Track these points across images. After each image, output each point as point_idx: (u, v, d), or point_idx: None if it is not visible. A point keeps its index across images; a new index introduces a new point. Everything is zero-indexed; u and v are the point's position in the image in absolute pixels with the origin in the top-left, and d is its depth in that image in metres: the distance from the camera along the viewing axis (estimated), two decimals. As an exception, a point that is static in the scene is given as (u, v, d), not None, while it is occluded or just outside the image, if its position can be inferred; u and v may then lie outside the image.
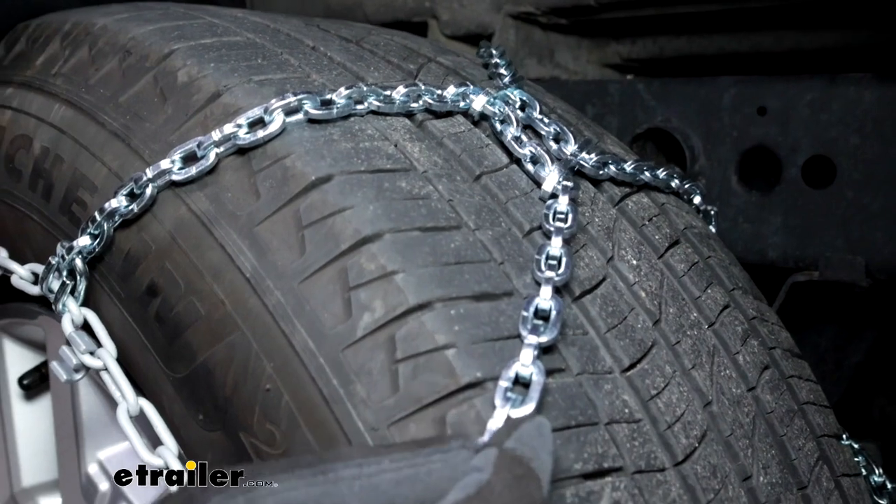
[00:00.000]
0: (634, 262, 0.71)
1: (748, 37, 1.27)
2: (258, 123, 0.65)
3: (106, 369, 0.70)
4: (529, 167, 0.72)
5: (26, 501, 1.09)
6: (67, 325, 0.72)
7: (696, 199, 0.91)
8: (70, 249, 0.70)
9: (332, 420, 0.57)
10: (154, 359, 0.69)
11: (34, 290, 0.77)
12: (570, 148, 0.75)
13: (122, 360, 0.73)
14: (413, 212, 0.62)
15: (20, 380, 1.03)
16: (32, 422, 1.07)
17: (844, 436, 0.85)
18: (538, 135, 0.78)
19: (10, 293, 0.96)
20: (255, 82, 0.70)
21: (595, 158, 0.76)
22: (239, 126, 0.65)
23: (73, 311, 0.72)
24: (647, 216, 0.78)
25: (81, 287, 0.72)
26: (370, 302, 0.58)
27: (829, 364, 1.20)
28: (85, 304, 0.74)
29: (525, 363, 0.55)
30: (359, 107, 0.69)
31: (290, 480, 0.46)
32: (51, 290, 0.73)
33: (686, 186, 0.89)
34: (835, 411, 0.86)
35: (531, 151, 0.72)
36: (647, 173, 0.82)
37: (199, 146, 0.65)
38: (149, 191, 0.66)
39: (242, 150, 0.66)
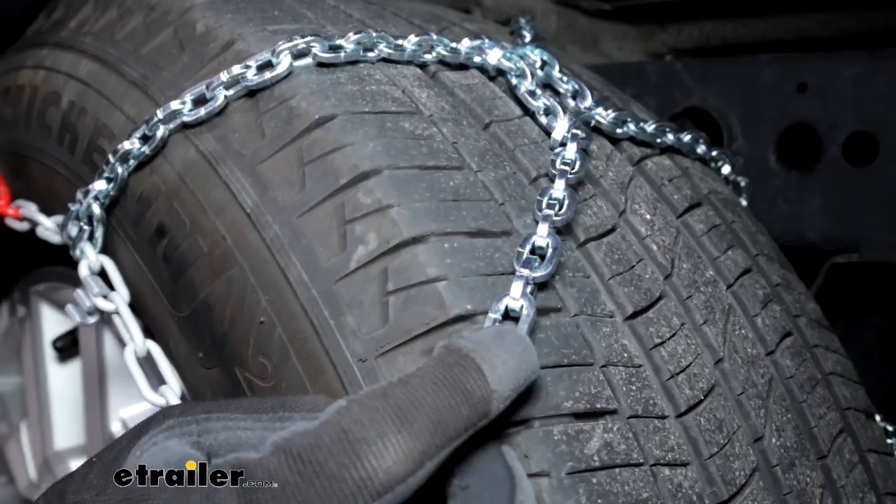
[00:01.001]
0: (648, 216, 0.69)
1: (794, 21, 1.23)
2: (267, 66, 0.65)
3: (117, 312, 0.71)
4: (542, 119, 0.70)
5: (58, 465, 1.11)
6: (84, 270, 0.73)
7: (725, 169, 0.88)
8: (87, 193, 0.72)
9: (322, 351, 0.56)
10: (161, 299, 0.69)
11: (56, 238, 0.78)
12: (587, 103, 0.73)
13: (135, 304, 0.74)
14: (413, 150, 0.61)
15: (54, 342, 1.06)
16: (66, 386, 1.09)
17: (878, 416, 0.81)
18: (557, 93, 0.77)
19: (45, 258, 0.99)
20: (269, 31, 0.70)
21: (613, 114, 0.74)
22: (248, 67, 0.65)
23: (90, 256, 0.74)
24: (668, 177, 0.76)
25: (98, 233, 0.74)
26: (364, 235, 0.58)
27: (875, 357, 1.15)
28: (103, 251, 0.75)
29: (515, 296, 0.53)
30: (369, 54, 0.69)
31: (247, 420, 0.46)
32: (70, 237, 0.75)
33: (714, 154, 0.86)
34: (882, 408, 0.81)
35: (545, 104, 0.71)
36: (670, 135, 0.79)
37: (207, 87, 0.66)
38: (160, 132, 0.67)
39: (252, 93, 0.66)
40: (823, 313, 0.83)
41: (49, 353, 1.08)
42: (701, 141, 0.84)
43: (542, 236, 0.57)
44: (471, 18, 0.94)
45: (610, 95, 0.85)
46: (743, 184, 0.91)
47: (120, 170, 0.70)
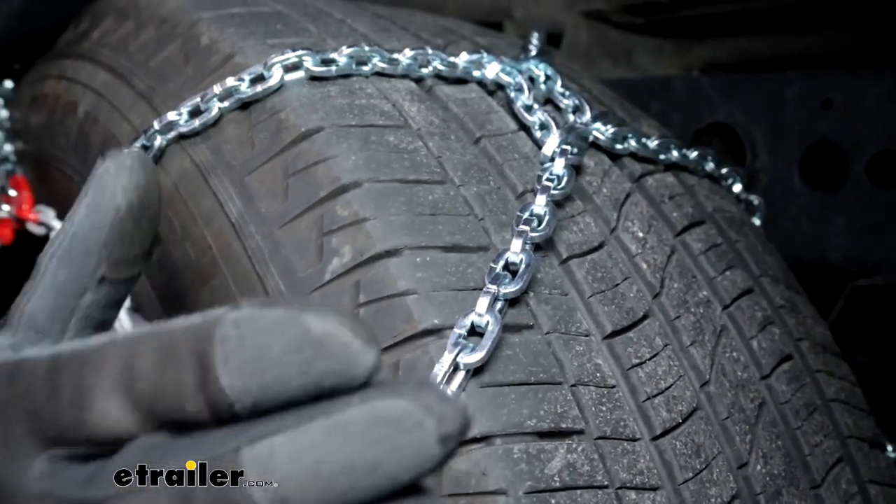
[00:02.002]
0: (641, 234, 0.68)
1: (834, 36, 1.20)
2: (259, 79, 0.67)
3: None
4: (537, 134, 0.70)
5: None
6: (88, 274, 0.76)
7: (737, 187, 0.86)
8: (91, 200, 0.74)
9: (294, 361, 0.57)
10: (157, 305, 0.71)
11: (67, 242, 0.81)
12: (585, 118, 0.73)
13: (137, 309, 0.76)
14: (395, 164, 0.62)
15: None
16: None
17: (890, 447, 0.78)
18: (559, 108, 0.76)
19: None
20: (268, 45, 0.72)
21: (612, 130, 0.73)
22: (241, 80, 0.67)
23: (95, 261, 0.76)
24: (669, 194, 0.75)
25: (104, 239, 0.76)
26: (340, 247, 0.58)
27: (905, 385, 1.11)
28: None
29: (480, 312, 0.53)
30: (363, 68, 0.69)
31: None
32: (78, 242, 0.77)
33: (724, 171, 0.85)
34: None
35: (540, 119, 0.70)
36: (674, 152, 0.78)
37: (202, 99, 0.67)
38: (157, 142, 0.69)
39: (245, 105, 0.67)
40: (847, 339, 0.80)
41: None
42: (709, 158, 0.82)
43: (515, 252, 0.57)
44: (485, 32, 0.94)
45: (617, 110, 0.84)
46: (756, 202, 0.89)
47: (121, 178, 0.72)
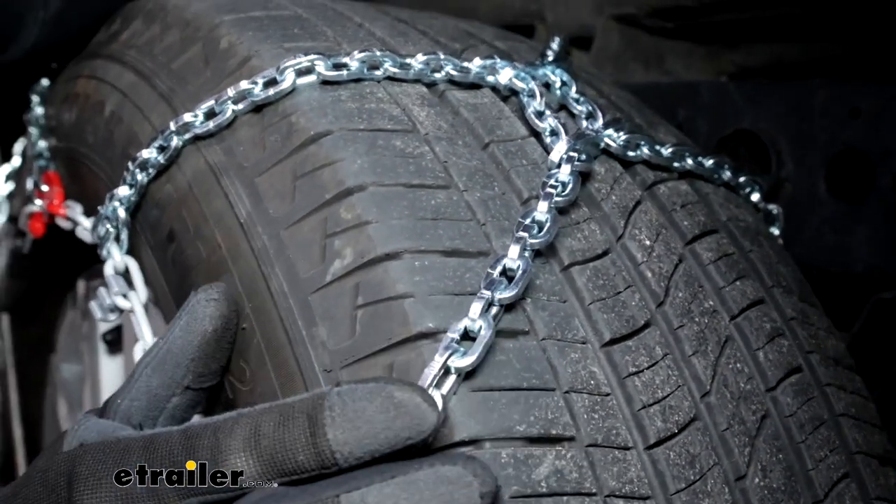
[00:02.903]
0: (648, 242, 0.68)
1: (865, 43, 1.18)
2: (272, 83, 0.68)
3: (133, 311, 0.76)
4: (548, 140, 0.70)
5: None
6: (108, 269, 0.78)
7: (755, 196, 0.86)
8: (112, 197, 0.76)
9: (293, 360, 0.58)
10: (171, 301, 0.73)
11: (90, 238, 0.83)
12: (597, 125, 0.73)
13: (154, 304, 0.78)
14: (400, 168, 0.63)
15: (104, 335, 1.12)
16: (114, 377, 1.16)
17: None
18: (572, 114, 0.76)
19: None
20: (284, 48, 0.73)
21: (624, 137, 0.73)
22: (254, 84, 0.68)
23: (115, 256, 0.78)
24: (682, 203, 0.74)
25: (124, 235, 0.78)
26: (342, 249, 0.59)
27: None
28: (130, 253, 0.80)
29: (473, 317, 0.54)
30: (375, 72, 0.70)
31: None
32: (99, 238, 0.79)
33: (741, 180, 0.84)
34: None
35: (550, 125, 0.71)
36: (689, 160, 0.78)
37: (217, 101, 0.69)
38: (174, 142, 0.71)
39: (258, 108, 0.69)
40: (872, 353, 0.79)
41: (101, 346, 1.14)
42: (726, 167, 0.82)
43: (512, 258, 0.57)
44: (507, 36, 0.94)
45: (635, 117, 0.84)
46: (776, 212, 0.88)
47: (140, 177, 0.74)
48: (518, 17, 1.50)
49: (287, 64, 0.67)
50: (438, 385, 0.52)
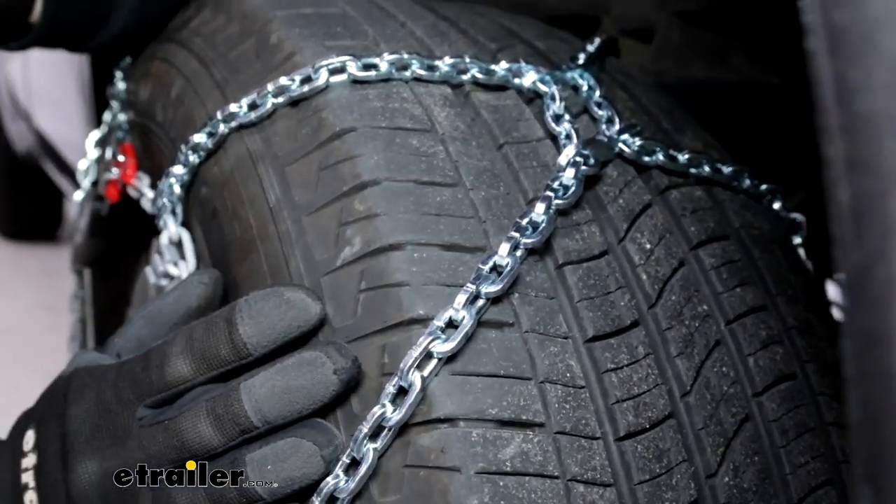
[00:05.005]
0: (648, 246, 0.72)
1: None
2: (307, 80, 0.74)
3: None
4: (563, 144, 0.74)
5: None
6: (163, 238, 0.87)
7: (776, 205, 0.87)
8: (168, 174, 0.84)
9: (302, 334, 0.65)
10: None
11: (150, 209, 0.92)
12: (614, 129, 0.76)
13: (200, 275, 0.86)
14: (413, 165, 0.68)
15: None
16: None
17: None
18: (595, 119, 0.80)
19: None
20: (326, 46, 0.79)
21: (639, 143, 0.77)
22: (292, 80, 0.74)
23: (170, 227, 0.87)
24: (692, 208, 0.77)
25: (179, 209, 0.86)
26: (353, 238, 0.65)
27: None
28: (184, 226, 0.88)
29: (457, 307, 0.59)
30: (404, 73, 0.76)
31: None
32: (158, 209, 0.88)
33: (762, 189, 0.86)
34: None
35: (566, 129, 0.75)
36: (706, 167, 0.80)
37: (258, 94, 0.76)
38: (220, 129, 0.78)
39: (295, 102, 0.75)
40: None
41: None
42: (745, 174, 0.84)
43: (502, 255, 0.62)
44: (550, 35, 0.97)
45: (662, 121, 0.87)
46: (799, 220, 0.89)
47: (192, 158, 0.82)
48: (585, 9, 1.51)
49: (321, 63, 0.73)
50: (420, 367, 0.58)
